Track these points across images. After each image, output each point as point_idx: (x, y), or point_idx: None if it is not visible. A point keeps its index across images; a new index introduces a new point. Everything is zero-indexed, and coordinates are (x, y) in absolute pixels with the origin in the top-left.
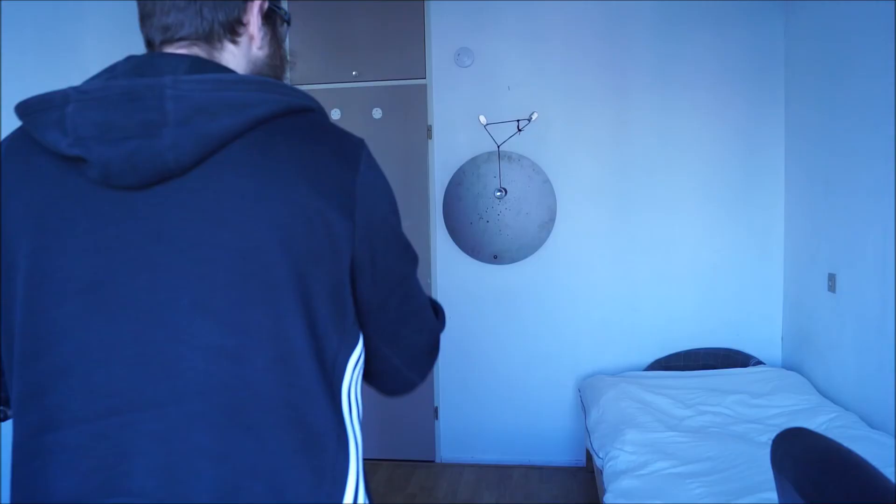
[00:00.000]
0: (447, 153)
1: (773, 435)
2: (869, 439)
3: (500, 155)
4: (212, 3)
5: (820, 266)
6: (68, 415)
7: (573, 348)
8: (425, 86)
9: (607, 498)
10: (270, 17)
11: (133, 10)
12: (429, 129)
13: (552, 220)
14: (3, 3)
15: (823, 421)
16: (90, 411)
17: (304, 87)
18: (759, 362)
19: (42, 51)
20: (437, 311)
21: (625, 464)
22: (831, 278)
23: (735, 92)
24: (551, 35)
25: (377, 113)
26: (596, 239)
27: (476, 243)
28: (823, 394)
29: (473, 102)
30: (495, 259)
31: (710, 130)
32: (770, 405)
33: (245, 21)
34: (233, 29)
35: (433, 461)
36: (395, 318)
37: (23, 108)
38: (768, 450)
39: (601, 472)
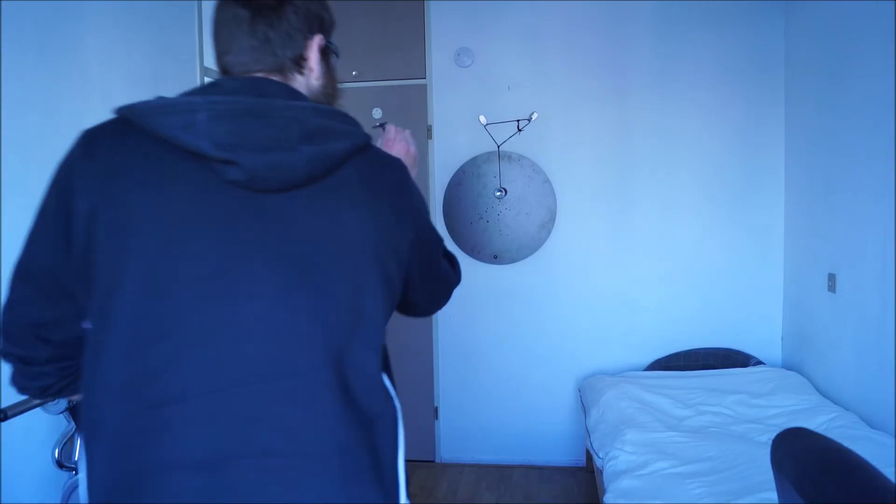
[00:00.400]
0: (447, 153)
1: (773, 435)
2: (869, 439)
3: (500, 155)
4: (282, 43)
5: (820, 266)
6: (193, 388)
7: (573, 348)
8: (425, 86)
9: (607, 498)
10: (325, 52)
11: (133, 10)
12: (429, 129)
13: (552, 220)
14: (2, 3)
15: (823, 421)
16: (215, 383)
17: None
18: (759, 362)
19: (42, 51)
20: (454, 264)
21: (625, 464)
22: (831, 278)
23: (735, 92)
24: (551, 35)
25: (377, 113)
26: (596, 239)
27: (476, 243)
28: (823, 394)
29: (473, 102)
30: (495, 259)
31: (710, 130)
32: (770, 405)
33: (306, 56)
34: (298, 63)
35: (433, 461)
36: (428, 284)
37: (137, 110)
38: (768, 450)
39: (601, 472)
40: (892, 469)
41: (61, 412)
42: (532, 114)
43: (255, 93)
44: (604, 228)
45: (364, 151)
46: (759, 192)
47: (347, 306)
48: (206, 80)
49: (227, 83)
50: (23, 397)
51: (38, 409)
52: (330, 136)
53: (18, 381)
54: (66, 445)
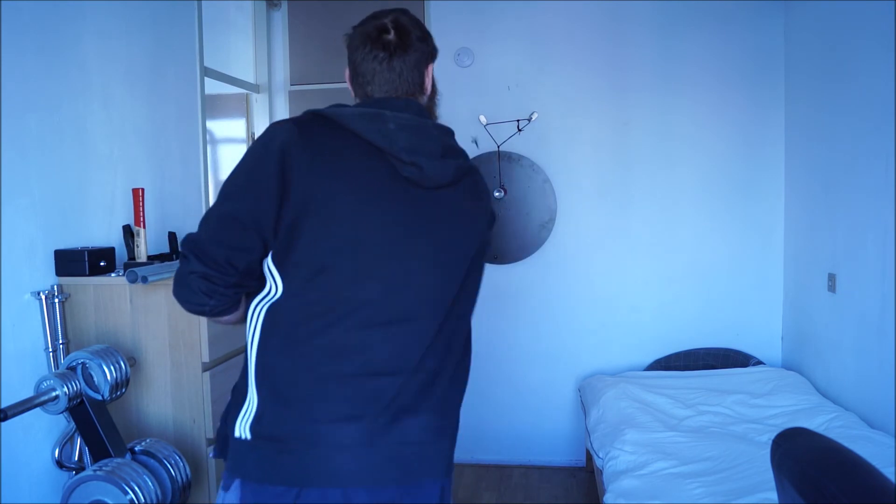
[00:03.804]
0: None
1: (773, 435)
2: (869, 439)
3: (500, 155)
4: (410, 73)
5: (820, 266)
6: (373, 321)
7: (573, 348)
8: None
9: (607, 498)
10: (432, 75)
11: (133, 10)
12: None
13: (552, 220)
14: (2, 3)
15: (823, 421)
16: (388, 318)
17: (303, 88)
18: (759, 362)
19: (42, 51)
20: None
21: (625, 464)
22: (831, 278)
23: (735, 91)
24: (551, 35)
25: None
26: (596, 239)
27: None
28: (823, 394)
29: (473, 102)
30: (495, 259)
31: (711, 130)
32: (770, 405)
33: (425, 81)
34: (421, 87)
35: None
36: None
37: (338, 114)
38: (768, 450)
39: (601, 472)
40: (892, 469)
41: (61, 412)
42: (532, 114)
43: (414, 112)
44: (604, 228)
45: (472, 169)
46: (759, 192)
47: (463, 274)
48: (206, 79)
49: (395, 102)
50: (23, 397)
51: (38, 409)
52: (457, 154)
53: (196, 298)
54: (67, 445)
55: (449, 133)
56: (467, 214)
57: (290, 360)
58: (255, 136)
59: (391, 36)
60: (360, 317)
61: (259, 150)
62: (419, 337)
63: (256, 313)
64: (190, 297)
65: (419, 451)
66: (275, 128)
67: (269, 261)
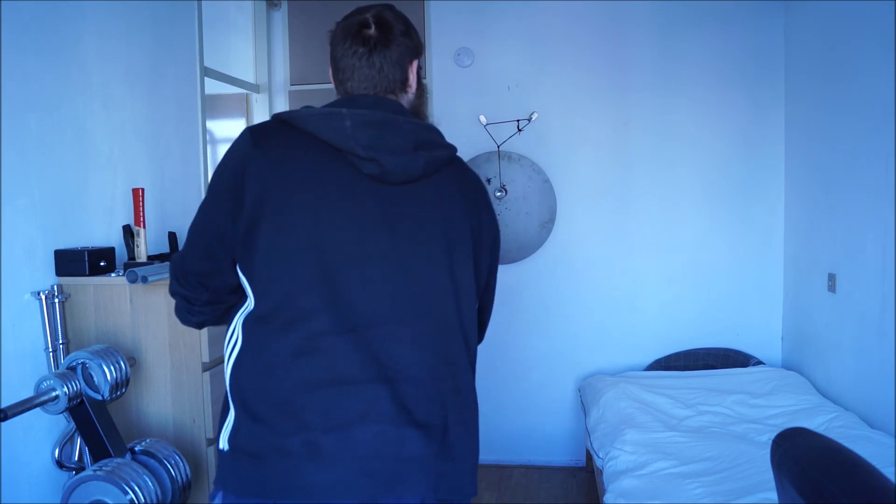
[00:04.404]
0: None
1: (773, 435)
2: (869, 439)
3: (500, 155)
4: (391, 69)
5: (820, 266)
6: (339, 328)
7: (573, 348)
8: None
9: (607, 498)
10: (418, 72)
11: (133, 10)
12: None
13: (552, 219)
14: (2, 3)
15: (823, 421)
16: (348, 325)
17: (303, 88)
18: (759, 362)
19: (42, 51)
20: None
21: (625, 464)
22: (831, 278)
23: (735, 91)
24: (551, 35)
25: None
26: (596, 238)
27: None
28: (823, 394)
29: (473, 102)
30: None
31: (711, 130)
32: (770, 405)
33: (408, 78)
34: (404, 84)
35: None
36: (491, 285)
37: (296, 116)
38: (768, 450)
39: (601, 472)
40: (892, 469)
41: (61, 412)
42: (532, 114)
43: (384, 109)
44: (604, 228)
45: (454, 160)
46: (759, 192)
47: (446, 273)
48: (206, 79)
49: (364, 100)
50: (23, 397)
51: (38, 409)
52: (434, 146)
53: (182, 315)
54: (67, 445)
55: (429, 129)
56: (444, 208)
57: (259, 373)
58: None
59: (372, 31)
60: (322, 324)
61: (220, 163)
62: (392, 344)
63: (238, 327)
64: (177, 313)
65: (396, 464)
66: (237, 138)
67: (239, 272)
